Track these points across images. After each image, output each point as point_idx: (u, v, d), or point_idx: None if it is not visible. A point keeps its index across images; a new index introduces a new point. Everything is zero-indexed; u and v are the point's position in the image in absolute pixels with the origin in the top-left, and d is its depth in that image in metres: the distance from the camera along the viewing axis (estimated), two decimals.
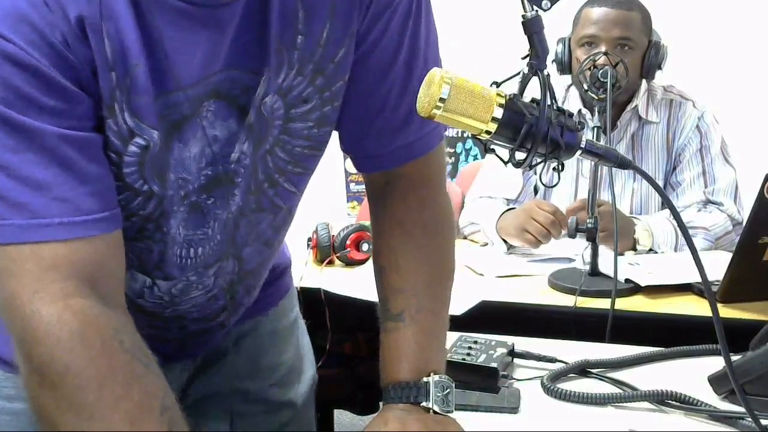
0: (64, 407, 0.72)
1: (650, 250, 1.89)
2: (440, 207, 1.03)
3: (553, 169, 0.82)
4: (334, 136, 0.99)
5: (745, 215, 1.94)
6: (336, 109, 0.93)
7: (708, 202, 2.00)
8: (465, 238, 2.13)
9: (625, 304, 1.56)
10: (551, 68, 2.06)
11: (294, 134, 0.92)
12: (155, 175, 0.83)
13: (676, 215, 0.85)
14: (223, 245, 0.94)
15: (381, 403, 0.96)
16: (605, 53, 1.86)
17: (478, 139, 0.79)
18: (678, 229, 1.89)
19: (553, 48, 2.05)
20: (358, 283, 1.71)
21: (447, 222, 1.05)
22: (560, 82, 2.13)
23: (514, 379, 1.18)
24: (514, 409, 1.10)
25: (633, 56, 1.98)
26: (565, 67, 2.05)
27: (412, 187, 1.00)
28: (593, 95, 1.78)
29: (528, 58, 0.80)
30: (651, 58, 1.99)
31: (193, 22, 0.78)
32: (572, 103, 2.11)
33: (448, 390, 0.95)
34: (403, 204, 1.00)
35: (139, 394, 0.74)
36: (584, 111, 2.05)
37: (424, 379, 0.94)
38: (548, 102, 0.78)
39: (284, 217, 1.00)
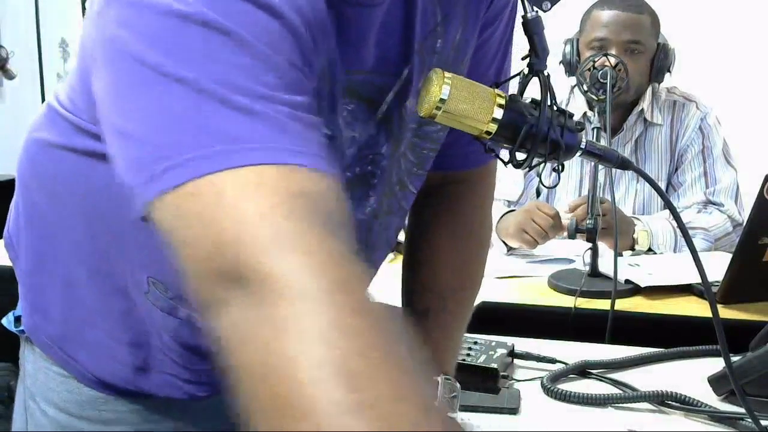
0: (358, 353, 0.51)
1: (649, 250, 1.89)
2: (486, 217, 1.05)
3: (553, 169, 0.82)
4: None
5: (745, 216, 1.94)
6: None
7: (708, 202, 2.00)
8: None
9: (625, 304, 1.56)
10: (559, 69, 2.07)
11: (425, 137, 0.91)
12: (336, 160, 0.79)
13: (676, 216, 0.85)
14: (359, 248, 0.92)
15: None
16: (605, 54, 1.86)
17: (478, 139, 0.79)
18: (677, 229, 1.89)
19: (561, 49, 2.05)
20: None
21: (488, 234, 1.06)
22: (566, 83, 2.13)
23: (514, 379, 1.18)
24: (514, 410, 1.10)
25: (642, 59, 1.98)
26: (573, 68, 2.04)
27: (468, 193, 1.01)
28: (593, 96, 1.78)
29: (528, 59, 0.81)
30: (660, 61, 2.00)
31: (342, 19, 0.74)
32: (577, 104, 2.11)
33: (454, 393, 0.95)
34: (456, 207, 1.01)
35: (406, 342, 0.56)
36: (589, 113, 2.04)
37: (435, 378, 0.94)
38: (548, 103, 0.78)
39: (403, 220, 0.99)
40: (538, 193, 2.14)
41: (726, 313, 1.47)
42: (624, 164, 0.83)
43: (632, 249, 1.89)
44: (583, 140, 0.80)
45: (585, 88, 1.81)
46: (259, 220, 0.54)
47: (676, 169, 2.06)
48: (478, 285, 1.05)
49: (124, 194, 0.76)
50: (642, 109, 2.06)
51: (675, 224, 1.89)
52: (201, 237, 0.56)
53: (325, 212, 0.58)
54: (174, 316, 0.88)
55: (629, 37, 1.96)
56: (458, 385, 0.96)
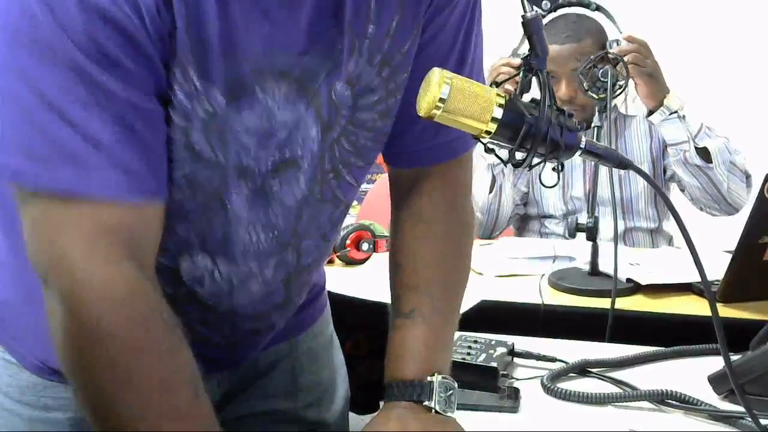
0: (103, 366, 0.74)
1: (674, 113, 1.98)
2: (465, 210, 1.04)
3: (553, 169, 0.82)
4: None
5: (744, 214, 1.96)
6: (398, 102, 0.93)
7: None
8: None
9: (625, 303, 1.56)
10: None
11: (360, 125, 0.91)
12: (220, 142, 0.82)
13: (674, 214, 0.85)
14: (285, 234, 0.93)
15: (382, 403, 0.96)
16: (606, 53, 1.88)
17: (478, 139, 0.80)
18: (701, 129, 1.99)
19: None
20: (358, 282, 1.71)
21: (469, 227, 1.05)
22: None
23: (514, 378, 1.18)
24: (513, 409, 1.10)
25: None
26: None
27: (441, 188, 1.00)
28: (593, 95, 1.79)
29: (528, 58, 0.81)
30: None
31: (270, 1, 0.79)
32: None
33: (451, 391, 0.95)
34: (429, 203, 1.00)
35: (173, 365, 0.77)
36: None
37: (429, 378, 0.94)
38: (548, 102, 0.78)
39: (342, 212, 1.00)
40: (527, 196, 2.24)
41: (726, 312, 1.47)
42: (624, 164, 0.83)
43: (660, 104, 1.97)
44: (583, 140, 0.80)
45: (585, 87, 1.81)
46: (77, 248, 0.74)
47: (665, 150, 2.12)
48: (465, 279, 1.04)
49: None
50: (615, 105, 2.14)
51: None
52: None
53: (131, 242, 0.76)
54: None
55: (574, 66, 2.04)
56: (455, 383, 0.96)
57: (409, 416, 0.93)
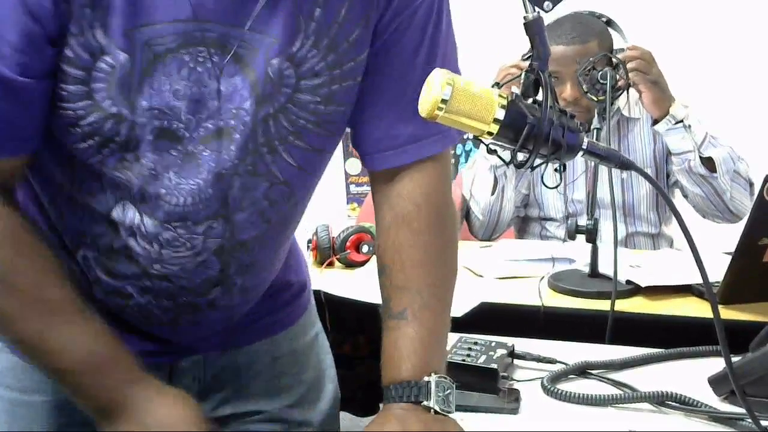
0: None
1: (680, 122, 1.97)
2: (447, 208, 1.04)
3: (555, 169, 0.82)
4: None
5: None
6: (345, 89, 0.95)
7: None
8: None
9: (625, 305, 1.56)
10: None
11: (301, 106, 0.93)
12: (124, 99, 0.86)
13: (676, 214, 0.85)
14: (214, 202, 0.94)
15: (381, 405, 0.96)
16: (605, 55, 1.88)
17: (480, 140, 0.80)
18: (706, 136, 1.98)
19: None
20: (358, 284, 1.72)
21: (452, 223, 1.05)
22: None
23: (514, 380, 1.18)
24: (514, 410, 1.10)
25: None
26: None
27: (420, 186, 1.01)
28: (593, 97, 1.79)
29: (530, 59, 0.81)
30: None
31: None
32: None
33: (449, 390, 0.95)
34: (410, 203, 1.00)
35: (41, 265, 0.89)
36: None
37: (425, 378, 0.94)
38: (550, 103, 0.78)
39: (282, 193, 0.98)
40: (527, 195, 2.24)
41: (726, 313, 1.47)
42: (625, 164, 0.83)
43: (666, 113, 1.97)
44: (585, 140, 0.81)
45: (585, 89, 1.82)
46: None
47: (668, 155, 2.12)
48: (453, 275, 1.04)
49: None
50: (618, 108, 2.12)
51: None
52: None
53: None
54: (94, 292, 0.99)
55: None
56: (453, 383, 0.96)
57: (409, 416, 0.92)
